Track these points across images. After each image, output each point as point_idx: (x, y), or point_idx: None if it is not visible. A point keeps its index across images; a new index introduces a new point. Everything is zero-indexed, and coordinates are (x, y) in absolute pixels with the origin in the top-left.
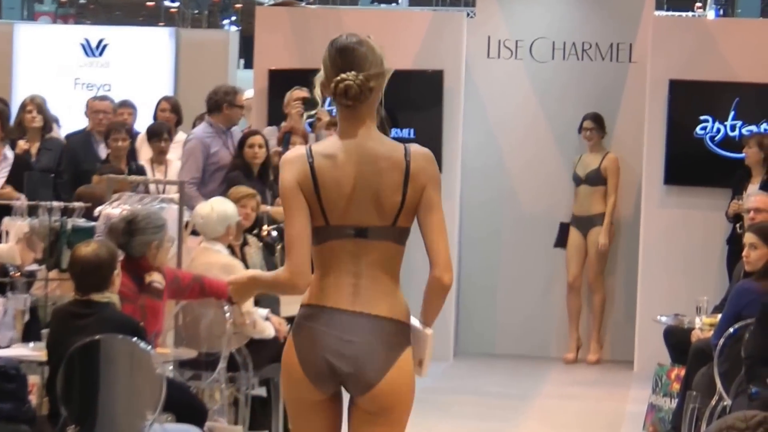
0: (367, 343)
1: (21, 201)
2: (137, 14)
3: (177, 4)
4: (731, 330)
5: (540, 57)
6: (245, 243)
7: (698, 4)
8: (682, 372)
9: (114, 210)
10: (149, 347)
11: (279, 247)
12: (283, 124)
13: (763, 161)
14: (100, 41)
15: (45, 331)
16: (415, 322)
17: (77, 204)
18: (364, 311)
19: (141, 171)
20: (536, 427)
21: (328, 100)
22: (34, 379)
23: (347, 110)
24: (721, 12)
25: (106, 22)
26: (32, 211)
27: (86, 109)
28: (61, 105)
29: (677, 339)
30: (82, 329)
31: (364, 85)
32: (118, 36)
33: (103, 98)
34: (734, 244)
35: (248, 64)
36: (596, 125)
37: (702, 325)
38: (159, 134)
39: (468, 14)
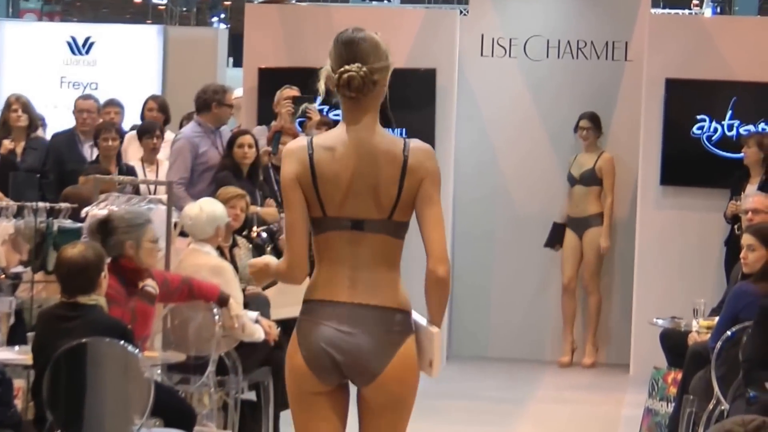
0: (368, 333)
1: (5, 202)
2: (124, 12)
3: (165, 1)
4: (729, 333)
5: (534, 55)
6: (234, 244)
7: (695, 2)
8: (679, 375)
9: (101, 211)
10: (137, 350)
11: (269, 248)
12: (273, 123)
13: (762, 161)
14: (87, 39)
15: (31, 334)
16: (421, 320)
17: (64, 205)
18: (363, 302)
19: (131, 171)
20: None
21: (319, 99)
22: (19, 383)
23: (350, 102)
24: (718, 10)
25: (92, 20)
26: (18, 212)
27: (74, 109)
28: (47, 104)
29: (674, 342)
30: (69, 332)
31: (367, 77)
32: (105, 34)
33: (88, 97)
34: (732, 246)
35: (237, 63)
36: (593, 125)
37: (699, 328)
38: (151, 131)
39: (461, 12)
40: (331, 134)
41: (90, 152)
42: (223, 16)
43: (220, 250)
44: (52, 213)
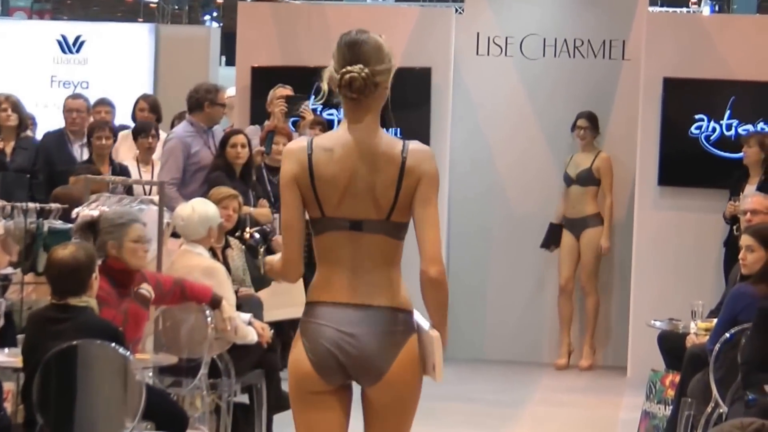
0: (371, 334)
1: None
2: (115, 10)
3: None
4: (727, 335)
5: (530, 54)
6: (227, 245)
7: (693, 1)
8: (677, 378)
9: (92, 211)
10: (128, 353)
11: (262, 249)
12: (267, 123)
13: (763, 162)
14: (78, 38)
15: (20, 337)
16: (424, 324)
17: (54, 205)
18: (364, 303)
19: (124, 171)
20: None
21: (312, 98)
22: (9, 386)
23: (351, 103)
24: (717, 8)
25: (83, 18)
26: (7, 213)
27: (63, 108)
28: (38, 103)
29: (672, 344)
30: (59, 334)
31: (368, 78)
32: (96, 32)
33: (77, 97)
34: (731, 247)
35: (230, 61)
36: (590, 124)
37: (697, 330)
38: (146, 131)
39: (456, 10)
40: (332, 135)
41: (80, 152)
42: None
43: (213, 252)
44: (43, 213)
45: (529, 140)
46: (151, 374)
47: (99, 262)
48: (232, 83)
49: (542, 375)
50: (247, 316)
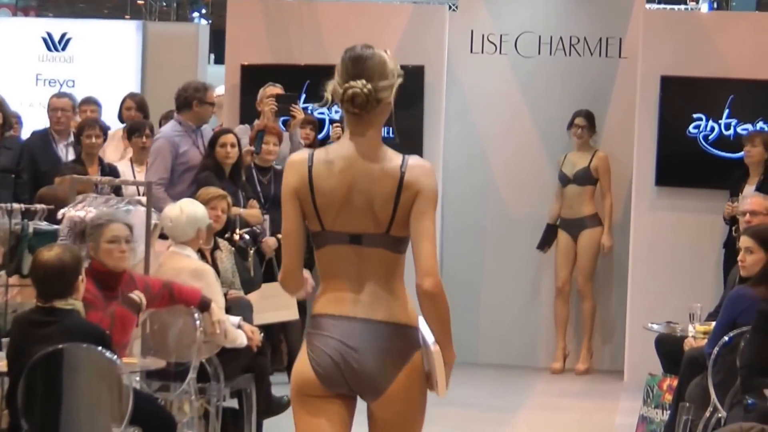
0: (374, 349)
1: None
2: (102, 7)
3: None
4: (726, 338)
5: (525, 52)
6: (216, 247)
7: None
8: (675, 382)
9: (78, 212)
10: (115, 357)
11: (252, 251)
12: (256, 122)
13: (766, 162)
14: (63, 35)
15: (5, 340)
16: (429, 338)
17: (39, 206)
18: (366, 317)
19: (113, 172)
20: None
21: (303, 97)
22: None
23: (354, 117)
24: (715, 5)
25: (69, 15)
26: None
27: (48, 107)
28: (23, 102)
29: (669, 348)
30: (45, 338)
31: (371, 95)
32: (82, 29)
33: (62, 95)
34: (731, 248)
35: (219, 59)
36: (588, 123)
37: (695, 333)
38: (140, 130)
39: (450, 7)
40: (333, 147)
41: (65, 152)
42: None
43: (201, 253)
44: (27, 214)
45: (524, 139)
46: (138, 378)
47: (86, 264)
48: (221, 81)
49: (537, 379)
50: (236, 319)
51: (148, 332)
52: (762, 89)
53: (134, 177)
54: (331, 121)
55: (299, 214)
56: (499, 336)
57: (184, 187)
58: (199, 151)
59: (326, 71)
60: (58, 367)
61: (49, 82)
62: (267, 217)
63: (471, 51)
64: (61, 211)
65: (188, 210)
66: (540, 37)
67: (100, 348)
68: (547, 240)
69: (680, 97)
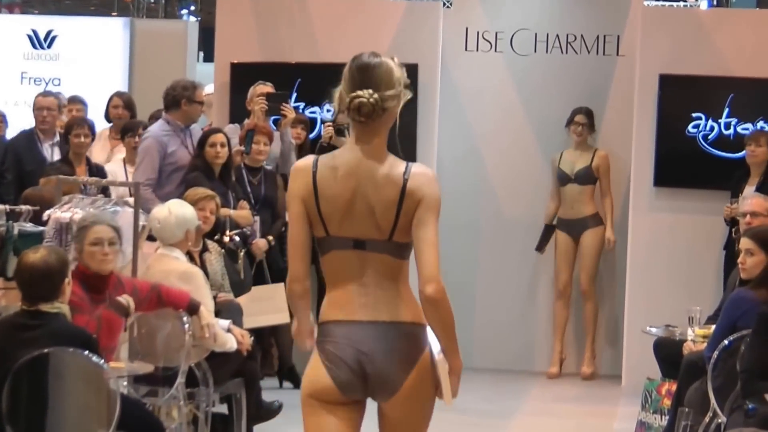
0: (383, 350)
1: None
2: (88, 3)
3: None
4: (726, 342)
5: (521, 50)
6: (205, 249)
7: None
8: (674, 387)
9: (64, 214)
10: (102, 361)
11: (242, 253)
12: (246, 121)
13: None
14: (49, 32)
15: None
16: (435, 346)
17: (24, 207)
18: (376, 320)
19: (101, 172)
20: None
21: (294, 96)
22: None
23: (359, 125)
24: (715, 2)
25: (55, 12)
26: None
27: (33, 106)
28: (7, 101)
29: (668, 352)
30: (30, 342)
31: (377, 104)
32: (68, 27)
33: (48, 94)
34: (731, 250)
35: (208, 57)
36: (588, 121)
37: (694, 337)
38: (133, 130)
39: (444, 4)
40: (338, 154)
41: (50, 152)
42: (193, 8)
43: (190, 255)
44: (12, 216)
45: (520, 139)
46: (125, 383)
47: (72, 266)
48: (210, 80)
49: (533, 384)
50: (226, 323)
51: (135, 336)
52: (762, 88)
53: (126, 177)
54: (323, 121)
55: (305, 219)
56: (494, 339)
57: (173, 188)
58: (188, 151)
59: (318, 69)
60: (44, 371)
61: (35, 81)
62: (257, 218)
63: (466, 49)
64: (47, 212)
65: (177, 211)
66: (536, 34)
67: (86, 352)
68: (544, 241)
69: (679, 95)
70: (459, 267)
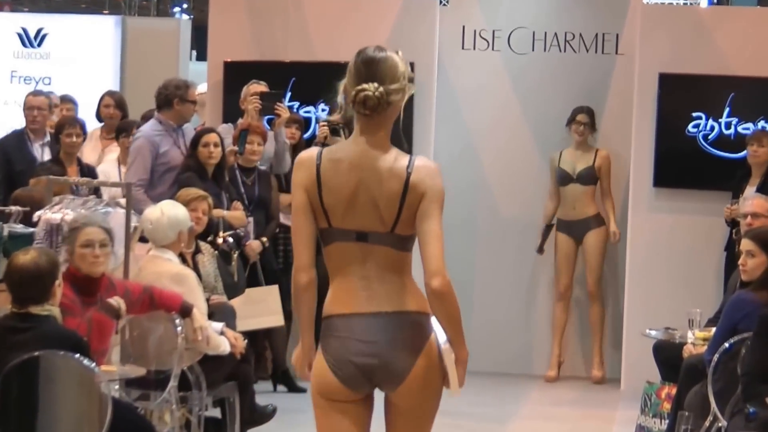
0: (390, 339)
1: None
2: (79, 1)
3: None
4: (726, 345)
5: (519, 48)
6: (197, 250)
7: None
8: (673, 390)
9: (55, 215)
10: (93, 364)
11: (235, 255)
12: (240, 121)
13: None
14: (39, 30)
15: None
16: (441, 337)
17: (14, 208)
18: (380, 311)
19: (92, 172)
20: None
21: (288, 95)
22: None
23: (364, 119)
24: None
25: (45, 10)
26: None
27: (24, 106)
28: None
29: (668, 354)
30: (20, 345)
31: (382, 97)
32: (59, 25)
33: (38, 93)
34: (731, 252)
35: (201, 56)
36: (590, 120)
37: (695, 340)
38: (128, 130)
39: (441, 2)
40: (342, 146)
41: (41, 152)
42: (185, 5)
43: (182, 257)
44: (2, 217)
45: (517, 139)
46: (117, 387)
47: (63, 268)
48: (203, 79)
49: (531, 387)
50: (219, 326)
51: (127, 339)
52: (763, 87)
53: (120, 178)
54: (318, 120)
55: (308, 209)
56: (491, 341)
57: (165, 189)
58: (181, 151)
59: (313, 68)
60: (34, 375)
61: (25, 80)
62: (251, 219)
63: (462, 47)
64: (37, 213)
65: (169, 212)
66: (534, 33)
67: (77, 355)
68: (544, 241)
69: (679, 95)
70: (455, 267)
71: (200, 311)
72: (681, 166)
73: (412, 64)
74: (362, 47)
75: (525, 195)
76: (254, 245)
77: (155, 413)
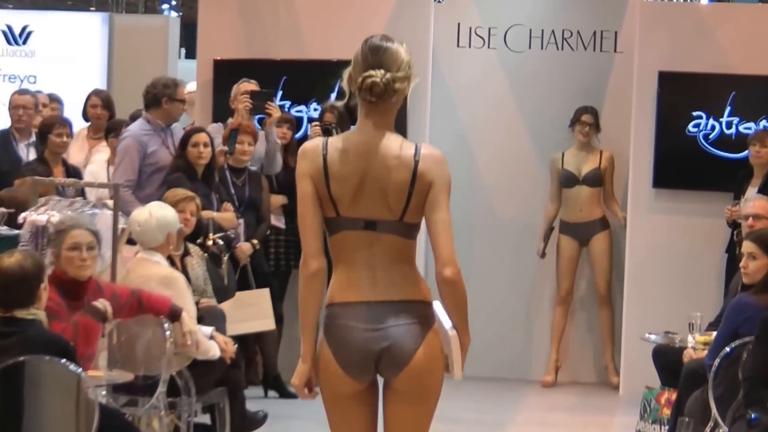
0: (393, 327)
1: None
2: None
3: None
4: (727, 349)
5: (515, 46)
6: (186, 253)
7: None
8: (673, 396)
9: (40, 216)
10: (80, 370)
11: (226, 257)
12: (230, 120)
13: None
14: (24, 28)
15: None
16: (446, 322)
17: None
18: (386, 299)
19: (77, 173)
20: None
21: (279, 94)
22: None
23: (369, 106)
24: None
25: (30, 6)
26: None
27: (9, 105)
28: None
29: (668, 359)
30: (5, 350)
31: (389, 84)
32: (45, 22)
33: (24, 92)
34: (733, 254)
35: (190, 54)
36: (595, 120)
37: (695, 344)
38: (117, 129)
39: None
40: (347, 136)
41: (26, 152)
42: (174, 2)
43: (171, 260)
44: None
45: (514, 138)
46: (104, 393)
47: (49, 271)
48: (192, 77)
49: (528, 393)
50: (208, 330)
51: (114, 343)
52: (766, 85)
53: (109, 179)
54: (310, 120)
55: (315, 197)
56: (487, 346)
57: (153, 190)
58: (169, 152)
59: (304, 66)
60: (19, 380)
61: (9, 78)
62: (241, 221)
63: (457, 45)
64: (22, 214)
65: (158, 214)
66: (530, 30)
67: (63, 360)
68: (547, 245)
69: (679, 93)
70: None
71: (189, 315)
72: (681, 166)
73: None
74: (368, 36)
75: (521, 195)
76: (245, 247)
77: (143, 419)
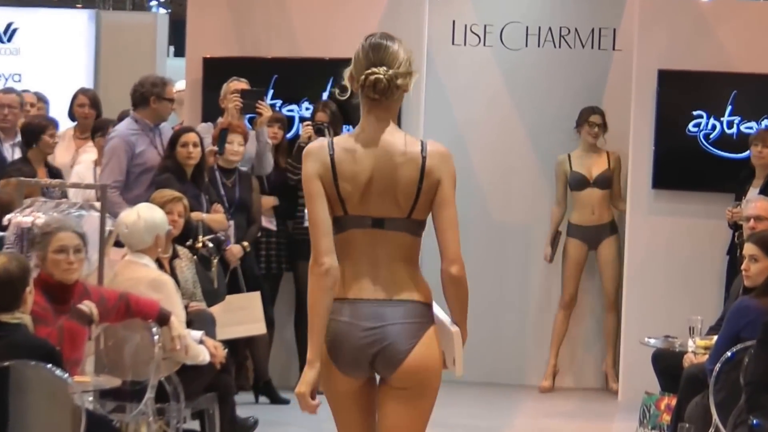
0: (392, 326)
1: None
2: None
3: None
4: (729, 354)
5: (512, 44)
6: (175, 255)
7: None
8: (673, 401)
9: (26, 218)
10: (66, 375)
11: (215, 260)
12: (220, 119)
13: None
14: (9, 25)
15: None
16: (445, 319)
17: None
18: (386, 298)
19: (59, 175)
20: None
21: (270, 93)
22: None
23: (372, 103)
24: None
25: (15, 4)
26: None
27: None
28: None
29: (668, 364)
30: None
31: (392, 81)
32: (30, 19)
33: (9, 90)
34: (734, 256)
35: (179, 52)
36: (603, 120)
37: (695, 349)
38: (104, 129)
39: None
40: (351, 135)
41: (11, 152)
42: None
43: (159, 262)
44: None
45: (511, 138)
46: (91, 398)
47: (34, 274)
48: (181, 76)
49: (525, 398)
50: (198, 334)
51: (102, 348)
52: (766, 84)
53: (96, 180)
54: (302, 119)
55: (324, 198)
56: (484, 351)
57: (142, 191)
58: (157, 152)
59: (296, 65)
60: (5, 386)
61: None
62: (232, 222)
63: (453, 43)
64: (7, 216)
65: (146, 215)
66: (527, 27)
67: (49, 365)
68: (555, 249)
69: (679, 92)
70: None
71: (178, 319)
72: (681, 166)
73: None
74: (368, 35)
75: (518, 196)
76: (235, 250)
77: (131, 426)
